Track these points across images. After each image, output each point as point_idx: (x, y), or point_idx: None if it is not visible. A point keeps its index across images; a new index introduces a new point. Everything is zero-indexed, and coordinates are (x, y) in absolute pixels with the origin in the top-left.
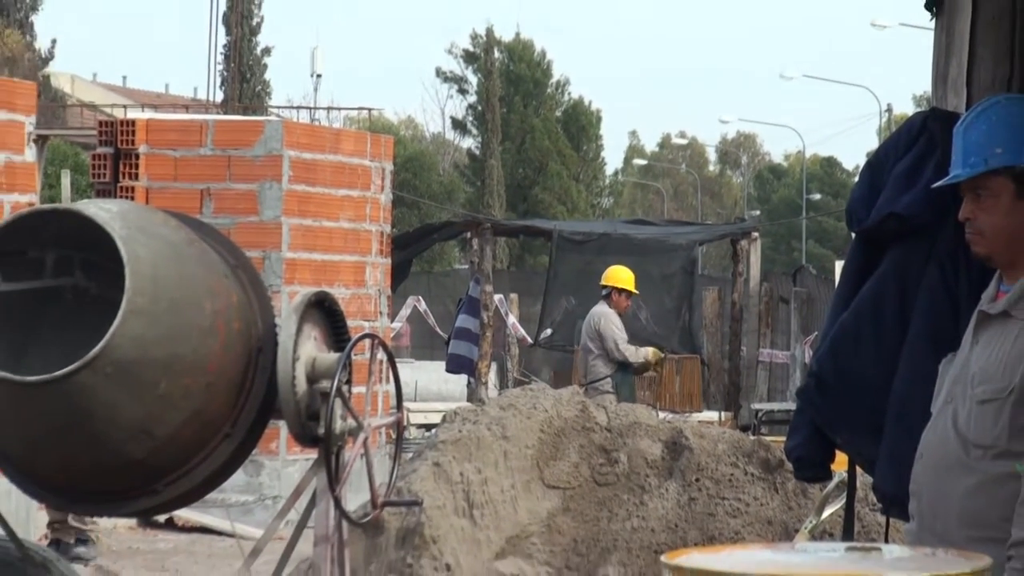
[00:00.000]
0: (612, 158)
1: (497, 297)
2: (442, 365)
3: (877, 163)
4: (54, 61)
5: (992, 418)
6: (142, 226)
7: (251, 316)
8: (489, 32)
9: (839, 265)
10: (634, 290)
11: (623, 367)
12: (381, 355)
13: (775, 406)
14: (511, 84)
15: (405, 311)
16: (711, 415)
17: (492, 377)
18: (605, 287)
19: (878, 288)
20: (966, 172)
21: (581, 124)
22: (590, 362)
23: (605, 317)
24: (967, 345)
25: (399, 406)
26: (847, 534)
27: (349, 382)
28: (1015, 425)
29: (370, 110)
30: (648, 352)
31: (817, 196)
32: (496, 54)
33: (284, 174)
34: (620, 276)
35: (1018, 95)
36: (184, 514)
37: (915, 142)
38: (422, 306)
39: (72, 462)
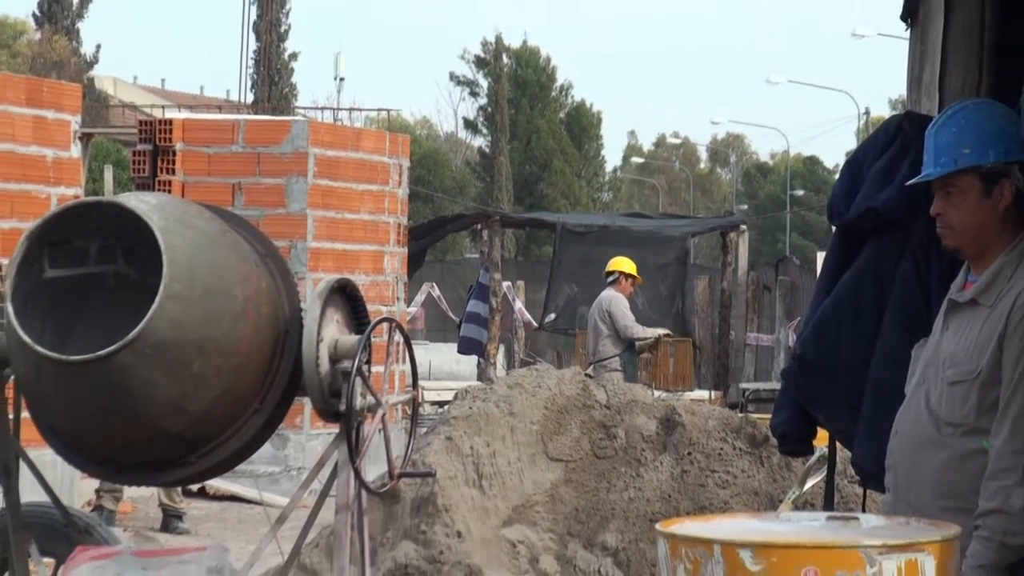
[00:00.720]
0: (611, 156)
1: (505, 284)
2: (454, 347)
3: (856, 162)
4: (98, 65)
5: (962, 398)
6: (179, 217)
7: (279, 301)
8: (498, 39)
9: (820, 256)
10: (639, 276)
11: (630, 347)
12: (398, 337)
13: (761, 386)
14: (518, 87)
15: (420, 296)
16: (702, 394)
17: (500, 358)
18: (611, 273)
19: (856, 278)
20: (937, 171)
21: (583, 125)
22: (600, 342)
23: (615, 300)
24: (937, 331)
25: (414, 384)
26: (828, 504)
27: (368, 362)
28: (983, 405)
29: (388, 111)
30: (659, 331)
31: (800, 192)
32: (505, 60)
33: (309, 170)
34: (624, 263)
35: (985, 100)
36: (216, 483)
37: (891, 143)
38: (436, 292)
39: (113, 436)
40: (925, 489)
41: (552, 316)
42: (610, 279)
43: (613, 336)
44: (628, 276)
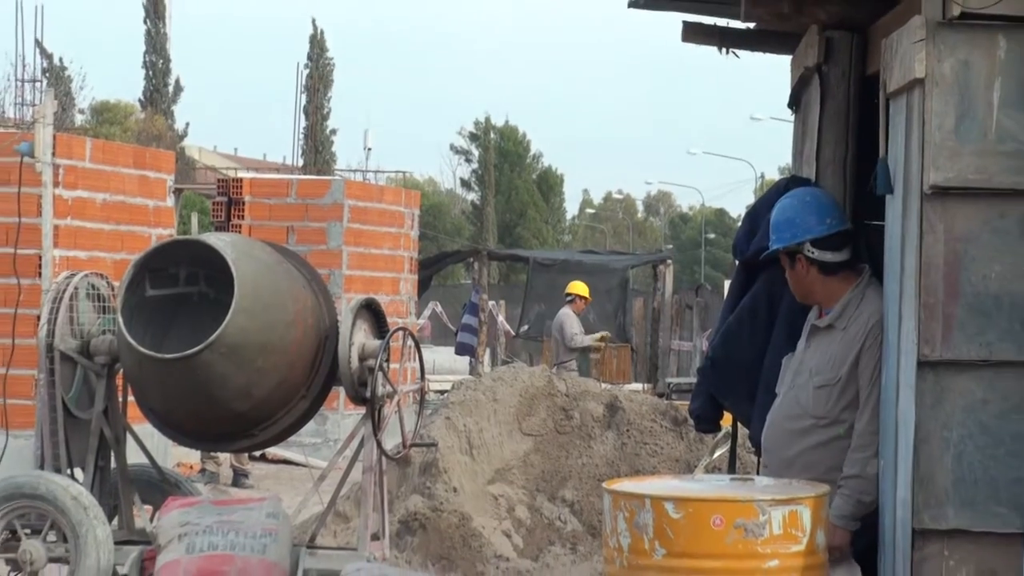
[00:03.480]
0: (571, 207)
1: (491, 303)
2: (452, 349)
3: (754, 212)
4: (187, 137)
5: (824, 399)
6: (246, 251)
7: (320, 314)
8: (487, 120)
9: (727, 283)
10: (589, 297)
11: (583, 352)
12: (410, 342)
13: (682, 380)
14: (502, 156)
15: (427, 312)
16: (637, 386)
17: (487, 358)
18: (569, 295)
19: (753, 300)
20: (772, 247)
21: (550, 184)
22: (559, 348)
23: (567, 318)
24: (801, 348)
25: (422, 377)
26: (731, 469)
27: (387, 360)
28: (840, 402)
29: (404, 172)
30: (596, 336)
31: (712, 236)
32: (491, 135)
33: (344, 216)
34: (580, 287)
35: (801, 189)
36: (272, 450)
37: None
38: (439, 309)
39: (196, 414)
40: (795, 467)
41: (525, 327)
42: (568, 299)
43: (563, 345)
44: (582, 297)
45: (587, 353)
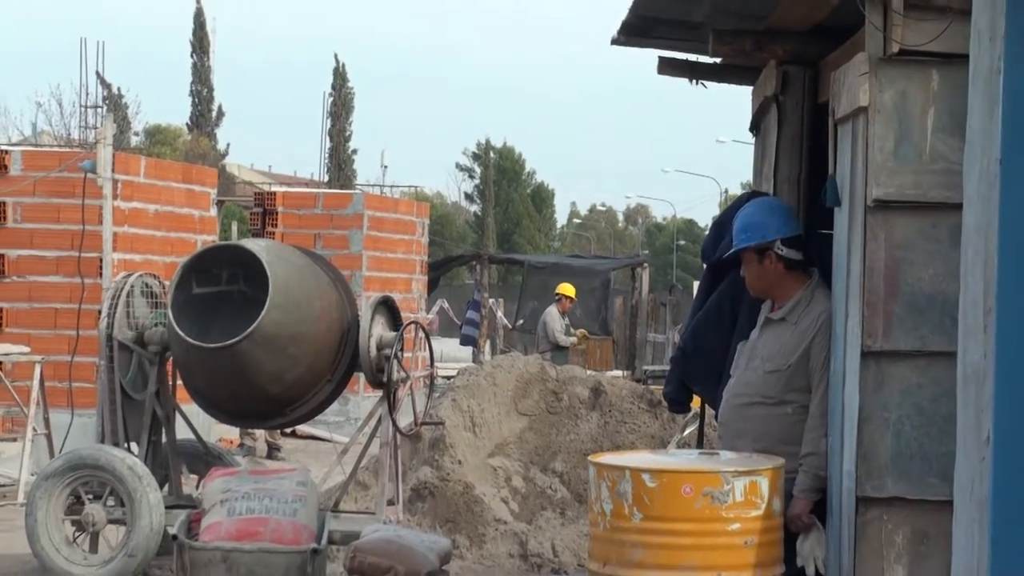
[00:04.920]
0: (560, 217)
1: (491, 301)
2: (457, 341)
3: (720, 222)
4: (228, 156)
5: (774, 382)
6: (279, 255)
7: (344, 310)
8: (487, 142)
9: (696, 284)
10: (575, 297)
11: (560, 348)
12: (421, 334)
13: (656, 367)
14: (500, 173)
15: (435, 308)
16: (618, 372)
17: (487, 349)
18: (557, 295)
19: (719, 298)
20: (734, 247)
21: (542, 197)
22: (538, 342)
23: (550, 316)
24: (755, 337)
25: (431, 364)
26: (699, 444)
27: (401, 349)
28: (788, 386)
29: (415, 187)
30: (575, 336)
31: (683, 242)
32: (491, 155)
33: (364, 225)
34: (567, 289)
35: (765, 198)
36: (301, 428)
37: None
38: (445, 305)
39: (236, 395)
40: (747, 440)
41: (521, 322)
42: (556, 298)
43: (545, 340)
44: (568, 297)
45: (564, 350)
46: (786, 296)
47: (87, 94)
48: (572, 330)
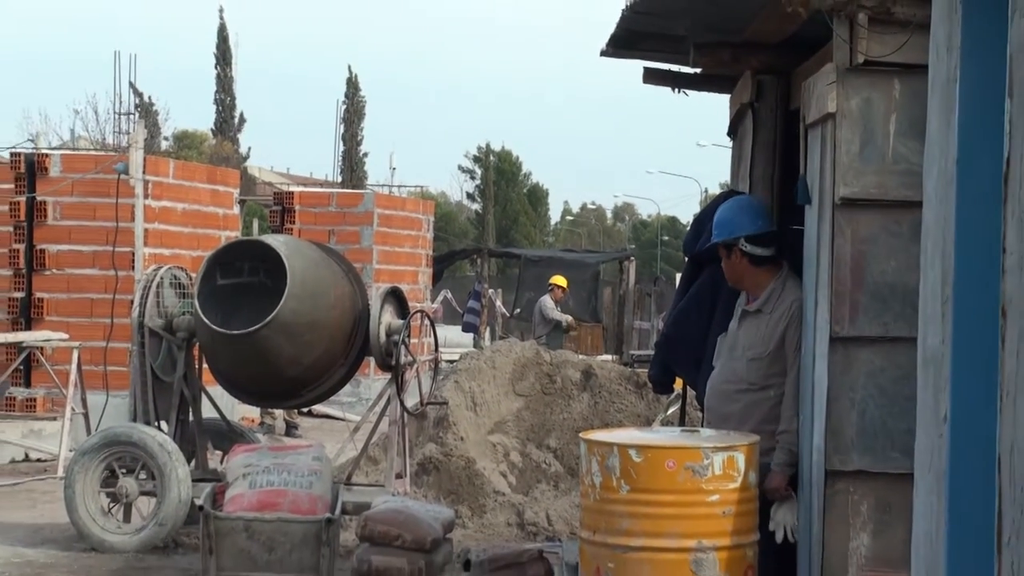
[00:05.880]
0: (554, 215)
1: (490, 291)
2: (459, 328)
3: (700, 218)
4: (249, 159)
5: (756, 368)
6: (296, 249)
7: (356, 299)
8: (487, 146)
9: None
10: (566, 287)
11: (555, 329)
12: (426, 322)
13: (642, 352)
14: (499, 174)
15: (439, 298)
16: (607, 357)
17: (487, 335)
18: (551, 285)
19: (699, 289)
20: (713, 240)
21: (538, 196)
22: (533, 328)
23: (543, 302)
24: (734, 328)
25: (436, 349)
26: (681, 422)
27: (409, 335)
28: (769, 372)
29: (421, 187)
30: (568, 318)
31: (666, 238)
32: (491, 158)
33: (374, 222)
34: (559, 280)
35: (739, 197)
36: (317, 407)
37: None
38: (449, 295)
39: (256, 378)
40: (731, 420)
41: (518, 310)
42: (550, 288)
43: (543, 324)
44: (560, 287)
45: (558, 332)
46: (759, 288)
47: (120, 102)
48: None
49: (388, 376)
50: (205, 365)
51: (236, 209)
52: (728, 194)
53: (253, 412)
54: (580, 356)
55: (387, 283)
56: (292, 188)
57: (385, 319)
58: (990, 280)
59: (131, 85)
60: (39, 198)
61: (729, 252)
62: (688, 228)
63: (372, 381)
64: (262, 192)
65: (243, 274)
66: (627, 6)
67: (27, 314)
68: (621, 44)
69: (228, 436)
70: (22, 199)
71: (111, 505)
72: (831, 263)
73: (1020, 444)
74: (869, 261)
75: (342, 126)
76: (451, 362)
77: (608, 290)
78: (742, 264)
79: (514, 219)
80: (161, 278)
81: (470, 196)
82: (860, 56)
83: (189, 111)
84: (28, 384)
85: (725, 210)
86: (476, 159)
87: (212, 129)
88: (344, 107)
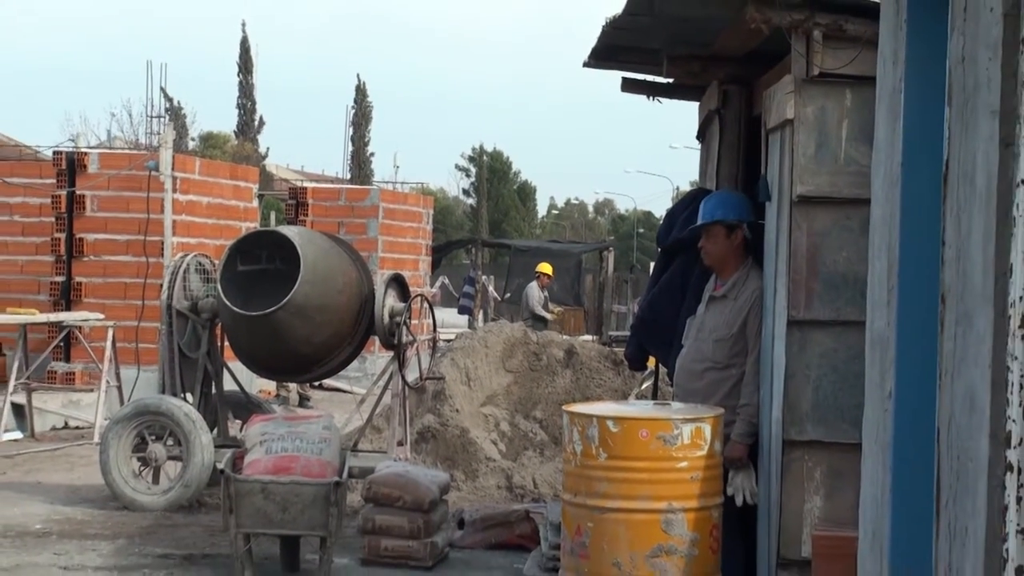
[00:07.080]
0: (541, 209)
1: (483, 277)
2: (455, 310)
3: (672, 213)
4: (268, 157)
5: (721, 349)
6: (309, 239)
7: (362, 285)
8: (481, 147)
9: (652, 264)
10: (551, 274)
11: (537, 318)
12: (425, 305)
13: (619, 333)
14: (492, 172)
15: (437, 283)
16: (588, 337)
17: (480, 317)
18: (537, 272)
19: (671, 276)
20: (702, 221)
21: (526, 192)
22: (520, 312)
23: (530, 290)
24: (702, 311)
25: (434, 330)
26: (654, 396)
27: (410, 317)
28: (732, 352)
29: (422, 183)
30: (552, 314)
31: (641, 231)
32: (484, 157)
33: (379, 215)
34: (545, 267)
35: (728, 190)
36: (327, 382)
37: (690, 204)
38: (446, 281)
39: (272, 354)
40: (698, 395)
41: (508, 295)
42: (537, 275)
43: (528, 310)
44: (546, 275)
45: (541, 321)
46: (729, 272)
47: (152, 106)
48: (550, 304)
49: (391, 353)
50: (227, 343)
51: (255, 203)
52: (698, 192)
53: (269, 385)
54: (564, 336)
55: (390, 270)
56: (306, 184)
57: (388, 302)
58: (931, 270)
59: (162, 91)
60: (78, 192)
61: (731, 231)
62: (661, 222)
63: (376, 358)
64: (279, 188)
65: (261, 261)
66: (607, 22)
67: (67, 296)
68: (601, 56)
69: (247, 407)
70: (63, 193)
71: (141, 468)
72: (789, 254)
73: (956, 417)
74: (823, 252)
75: (351, 129)
76: (448, 341)
77: (589, 277)
78: (733, 245)
79: (505, 213)
80: (187, 264)
81: (466, 192)
82: (816, 68)
83: (214, 114)
84: (68, 359)
85: (731, 196)
86: (471, 159)
87: (235, 131)
88: (353, 112)
